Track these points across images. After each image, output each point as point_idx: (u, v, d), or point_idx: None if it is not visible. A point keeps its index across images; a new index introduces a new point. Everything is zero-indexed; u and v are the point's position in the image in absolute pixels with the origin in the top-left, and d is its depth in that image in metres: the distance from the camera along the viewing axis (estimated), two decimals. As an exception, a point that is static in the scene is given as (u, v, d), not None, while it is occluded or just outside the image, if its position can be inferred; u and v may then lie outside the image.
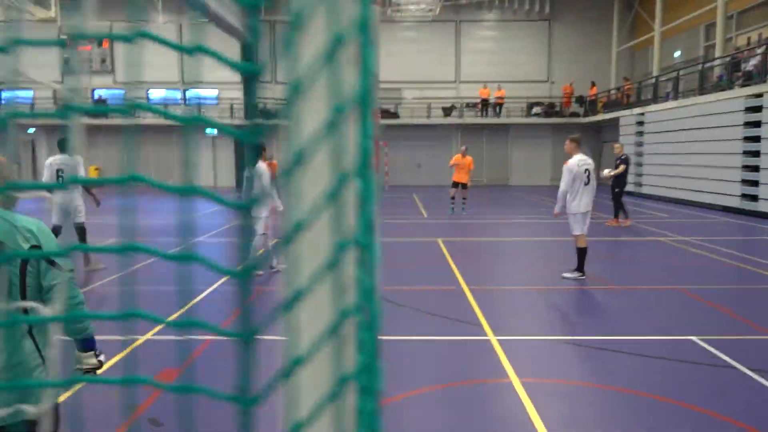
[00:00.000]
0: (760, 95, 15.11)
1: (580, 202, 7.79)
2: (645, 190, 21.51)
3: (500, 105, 28.92)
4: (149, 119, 29.50)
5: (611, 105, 26.20)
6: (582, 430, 3.72)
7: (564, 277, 7.97)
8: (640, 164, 22.09)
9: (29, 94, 30.31)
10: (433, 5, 27.55)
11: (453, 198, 16.54)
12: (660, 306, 6.74)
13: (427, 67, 30.28)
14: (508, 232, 12.77)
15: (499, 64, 30.26)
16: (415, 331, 5.71)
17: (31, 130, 29.41)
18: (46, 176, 8.37)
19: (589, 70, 29.73)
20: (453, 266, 8.83)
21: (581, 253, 7.96)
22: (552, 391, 4.29)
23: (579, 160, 7.78)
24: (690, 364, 4.83)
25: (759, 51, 15.74)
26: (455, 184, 16.16)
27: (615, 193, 13.70)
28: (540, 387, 4.35)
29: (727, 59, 18.22)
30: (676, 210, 17.14)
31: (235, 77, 29.97)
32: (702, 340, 5.36)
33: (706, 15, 21.39)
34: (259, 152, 8.20)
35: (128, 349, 5.02)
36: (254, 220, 8.16)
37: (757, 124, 15.19)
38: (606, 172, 13.63)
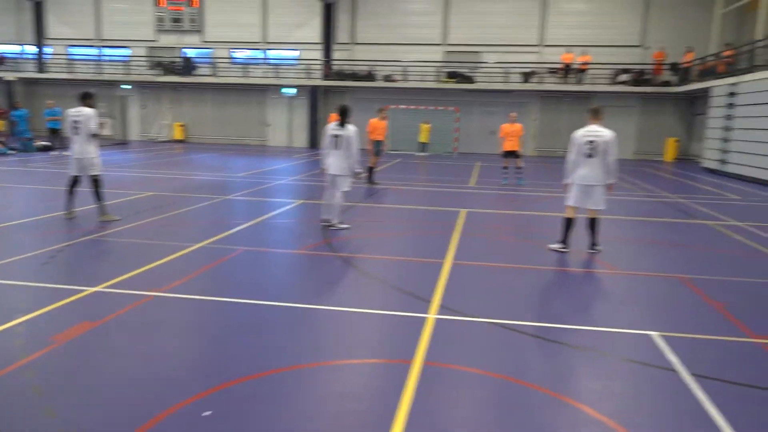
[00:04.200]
0: None
1: (575, 174, 7.53)
2: (730, 168, 19.56)
3: (584, 71, 27.18)
4: (231, 78, 30.54)
5: (708, 73, 23.83)
6: (442, 421, 3.45)
7: (549, 248, 7.86)
8: (726, 140, 20.08)
9: (127, 52, 32.16)
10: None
11: (506, 168, 15.92)
12: (642, 295, 6.11)
13: (509, 29, 28.91)
14: (549, 207, 12.06)
15: (587, 27, 28.32)
16: (354, 303, 5.54)
17: (126, 87, 31.24)
18: (67, 128, 8.83)
19: (687, 34, 27.12)
20: (455, 238, 8.48)
21: (564, 223, 7.73)
22: (446, 379, 4.00)
23: (584, 131, 7.48)
24: (626, 362, 4.35)
25: None
26: (507, 154, 15.53)
27: None
28: (438, 373, 4.07)
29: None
30: (755, 192, 15.47)
31: (316, 37, 30.16)
32: (662, 336, 4.80)
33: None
34: (346, 113, 8.57)
35: (68, 299, 5.26)
36: (343, 179, 8.61)
37: None
38: None
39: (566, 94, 28.02)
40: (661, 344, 4.66)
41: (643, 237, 9.37)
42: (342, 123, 8.51)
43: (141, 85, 31.67)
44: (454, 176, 17.61)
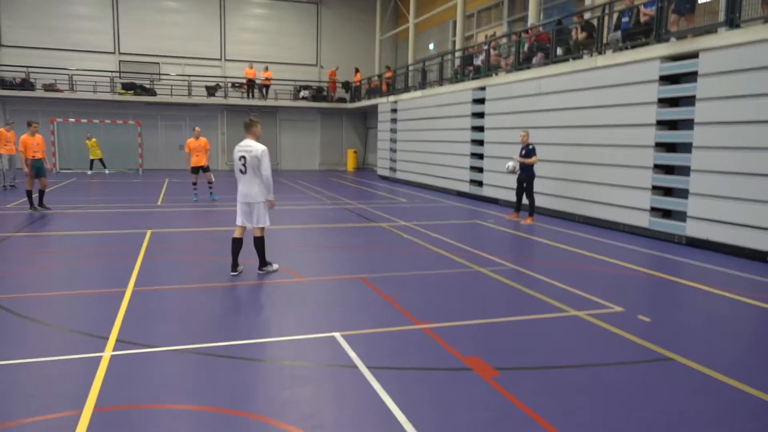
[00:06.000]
0: (483, 88, 16.31)
1: (238, 192, 7.18)
2: (399, 175, 22.39)
3: (267, 86, 28.09)
4: None
5: (374, 92, 26.88)
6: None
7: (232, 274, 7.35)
8: (393, 150, 22.94)
9: None
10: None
11: (195, 184, 15.42)
12: (327, 299, 6.47)
13: (189, 42, 28.30)
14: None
15: (267, 44, 29.40)
16: (6, 354, 4.63)
17: None
18: None
19: (356, 56, 30.26)
20: (138, 263, 7.81)
21: (232, 244, 7.29)
22: (119, 424, 3.56)
23: (238, 147, 7.04)
24: (313, 367, 4.49)
25: (484, 48, 16.98)
26: (195, 169, 15.07)
27: (521, 187, 12.13)
28: (109, 418, 3.60)
29: (458, 53, 19.52)
30: (417, 195, 17.94)
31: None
32: (344, 336, 5.11)
33: (453, 11, 22.76)
34: None
35: None
36: None
37: (481, 114, 16.40)
38: (511, 164, 11.94)
39: (252, 108, 28.56)
40: (344, 343, 4.95)
41: (329, 243, 9.99)
42: None
43: None
44: (139, 195, 16.40)
